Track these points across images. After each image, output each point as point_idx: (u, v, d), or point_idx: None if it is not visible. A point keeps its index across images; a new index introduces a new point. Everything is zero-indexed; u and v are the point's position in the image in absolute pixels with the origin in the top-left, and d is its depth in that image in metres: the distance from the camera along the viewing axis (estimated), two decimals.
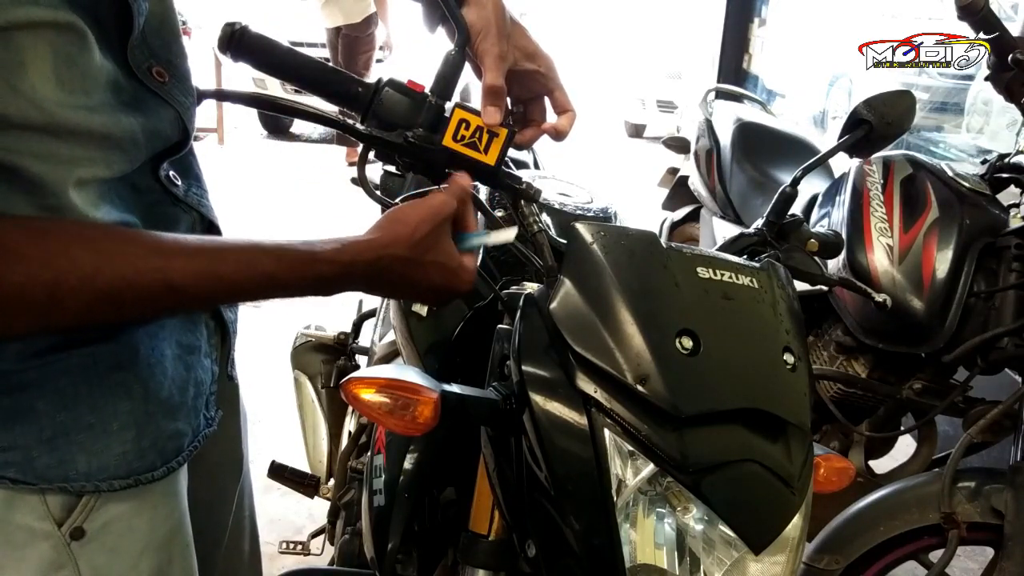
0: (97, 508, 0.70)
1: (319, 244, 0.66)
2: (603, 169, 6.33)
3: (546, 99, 0.86)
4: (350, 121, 0.81)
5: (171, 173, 0.73)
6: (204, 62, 6.18)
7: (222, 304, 0.69)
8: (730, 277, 0.75)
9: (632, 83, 8.23)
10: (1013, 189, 1.52)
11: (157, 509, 0.75)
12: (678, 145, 3.01)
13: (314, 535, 1.76)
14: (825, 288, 1.13)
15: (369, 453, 1.16)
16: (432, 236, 0.70)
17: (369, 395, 0.72)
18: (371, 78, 0.81)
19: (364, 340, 1.78)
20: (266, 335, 3.00)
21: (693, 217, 2.82)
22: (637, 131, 8.51)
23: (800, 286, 0.90)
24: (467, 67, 0.81)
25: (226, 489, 0.99)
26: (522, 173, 0.83)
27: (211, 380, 0.82)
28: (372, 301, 1.74)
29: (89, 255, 0.56)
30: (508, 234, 0.77)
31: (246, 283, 0.63)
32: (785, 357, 0.74)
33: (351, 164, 5.83)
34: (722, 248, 0.98)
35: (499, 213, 0.95)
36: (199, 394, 0.79)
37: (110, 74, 0.61)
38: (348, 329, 1.81)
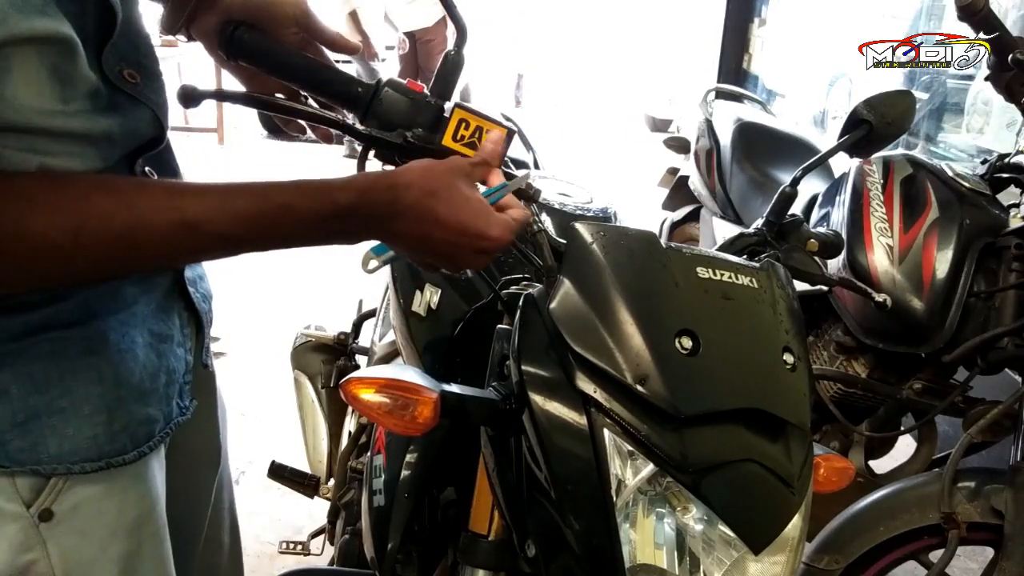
0: (66, 490, 0.70)
1: (333, 179, 0.67)
2: (622, 162, 6.30)
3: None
4: (349, 121, 0.81)
5: (147, 169, 0.74)
6: (204, 62, 6.20)
7: (246, 247, 0.65)
8: (730, 277, 0.75)
9: (658, 79, 8.21)
10: (1013, 189, 1.52)
11: (127, 493, 0.75)
12: (678, 145, 3.01)
13: (314, 535, 1.76)
14: (825, 288, 1.13)
15: (369, 453, 1.17)
16: (449, 174, 0.70)
17: (369, 395, 0.73)
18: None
19: (364, 340, 1.77)
20: (266, 334, 3.01)
21: (693, 217, 2.82)
22: (657, 126, 8.49)
23: (800, 286, 0.90)
24: (467, 67, 0.81)
25: (204, 479, 0.99)
26: (522, 173, 0.83)
27: (185, 369, 0.82)
28: (372, 301, 1.74)
29: (107, 198, 0.59)
30: (522, 178, 0.77)
31: (262, 217, 0.63)
32: (785, 357, 0.74)
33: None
34: (722, 248, 0.98)
35: None
36: (171, 382, 0.79)
37: (91, 84, 0.62)
38: (348, 329, 1.81)
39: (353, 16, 5.56)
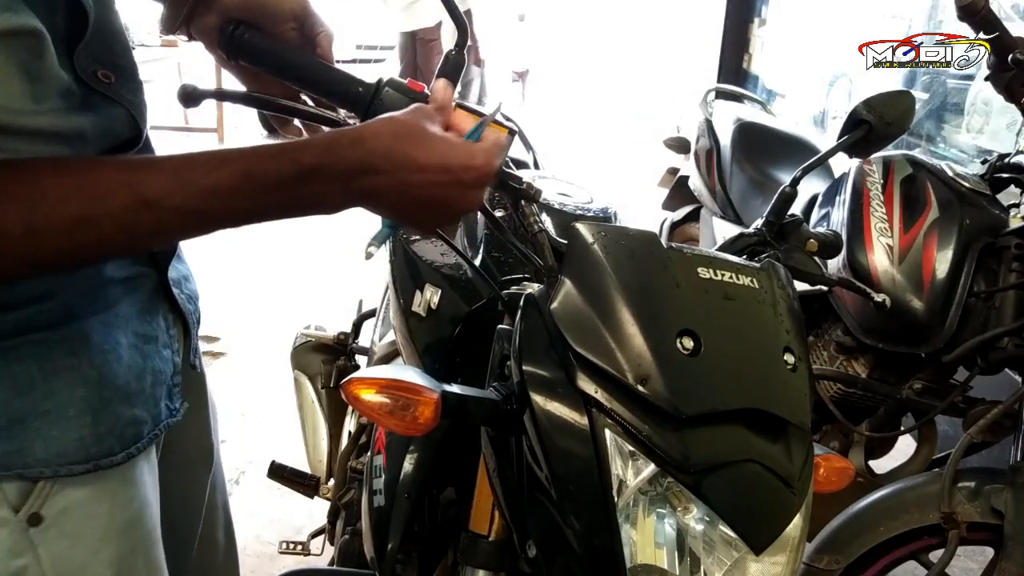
0: (54, 494, 0.69)
1: (294, 140, 0.63)
2: (622, 162, 6.31)
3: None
4: (350, 121, 0.81)
5: None
6: (204, 62, 6.20)
7: (214, 223, 0.62)
8: (731, 277, 0.75)
9: (658, 79, 8.20)
10: (1013, 189, 1.52)
11: (116, 495, 0.74)
12: (678, 145, 3.01)
13: (314, 535, 1.76)
14: (825, 288, 1.13)
15: (369, 453, 1.17)
16: (414, 117, 0.67)
17: (369, 395, 0.72)
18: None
19: (364, 340, 1.78)
20: (266, 334, 3.01)
21: (693, 217, 2.82)
22: None
23: (800, 286, 0.90)
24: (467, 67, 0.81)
25: (197, 480, 0.99)
26: (522, 173, 0.83)
27: (173, 371, 0.82)
28: (372, 301, 1.74)
29: (58, 181, 0.57)
30: (495, 110, 0.75)
31: (220, 186, 0.59)
32: (785, 357, 0.74)
33: None
34: (722, 248, 0.98)
35: (499, 213, 0.95)
36: (158, 383, 0.78)
37: (63, 82, 0.61)
38: (348, 329, 1.81)
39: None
